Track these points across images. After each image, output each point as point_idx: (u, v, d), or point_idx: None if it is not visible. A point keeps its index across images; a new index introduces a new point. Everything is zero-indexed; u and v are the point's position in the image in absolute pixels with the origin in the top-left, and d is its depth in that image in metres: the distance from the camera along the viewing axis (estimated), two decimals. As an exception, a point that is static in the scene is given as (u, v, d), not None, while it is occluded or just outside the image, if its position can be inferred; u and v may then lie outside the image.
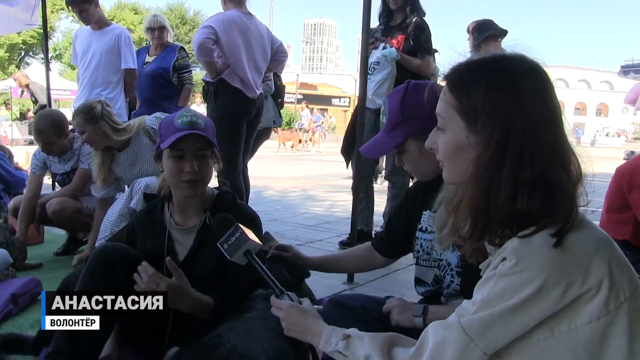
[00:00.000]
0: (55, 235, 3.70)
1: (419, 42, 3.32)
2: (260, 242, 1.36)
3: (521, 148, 0.86)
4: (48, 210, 3.10)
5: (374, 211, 3.77)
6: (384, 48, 3.36)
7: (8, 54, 31.08)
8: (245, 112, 3.49)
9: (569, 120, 0.94)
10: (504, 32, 3.87)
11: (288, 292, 1.25)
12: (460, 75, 0.95)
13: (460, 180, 0.94)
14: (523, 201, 0.86)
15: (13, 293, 2.31)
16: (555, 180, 0.87)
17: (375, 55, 3.39)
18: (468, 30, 3.85)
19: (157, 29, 4.30)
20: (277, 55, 3.80)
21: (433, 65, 3.55)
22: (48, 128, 3.05)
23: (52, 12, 27.32)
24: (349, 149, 3.62)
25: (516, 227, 0.88)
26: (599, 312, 0.83)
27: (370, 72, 3.40)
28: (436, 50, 3.64)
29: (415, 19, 3.52)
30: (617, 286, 0.84)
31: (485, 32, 3.81)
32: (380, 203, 3.87)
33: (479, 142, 0.90)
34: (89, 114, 2.82)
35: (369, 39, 3.50)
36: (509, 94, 0.88)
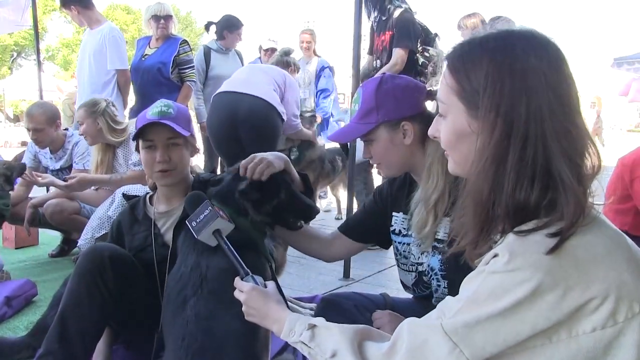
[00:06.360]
0: (50, 237, 3.69)
1: (396, 38, 3.31)
2: (232, 223, 1.28)
3: (525, 136, 0.77)
4: (46, 211, 3.08)
5: None
6: None
7: (0, 55, 30.80)
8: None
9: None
10: None
11: (253, 275, 1.17)
12: (461, 54, 0.85)
13: (467, 171, 0.85)
14: (521, 191, 0.78)
15: (7, 296, 2.30)
16: (558, 174, 0.77)
17: None
18: (459, 27, 3.79)
19: (163, 18, 3.84)
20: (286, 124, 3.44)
21: (403, 57, 3.37)
22: (40, 113, 3.10)
23: (44, 13, 27.07)
24: None
25: (514, 220, 0.80)
26: (604, 322, 0.73)
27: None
28: (437, 35, 3.50)
29: (394, 10, 3.42)
30: (631, 296, 0.74)
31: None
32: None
33: (481, 129, 0.80)
34: (91, 107, 2.92)
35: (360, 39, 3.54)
36: (513, 75, 0.78)
